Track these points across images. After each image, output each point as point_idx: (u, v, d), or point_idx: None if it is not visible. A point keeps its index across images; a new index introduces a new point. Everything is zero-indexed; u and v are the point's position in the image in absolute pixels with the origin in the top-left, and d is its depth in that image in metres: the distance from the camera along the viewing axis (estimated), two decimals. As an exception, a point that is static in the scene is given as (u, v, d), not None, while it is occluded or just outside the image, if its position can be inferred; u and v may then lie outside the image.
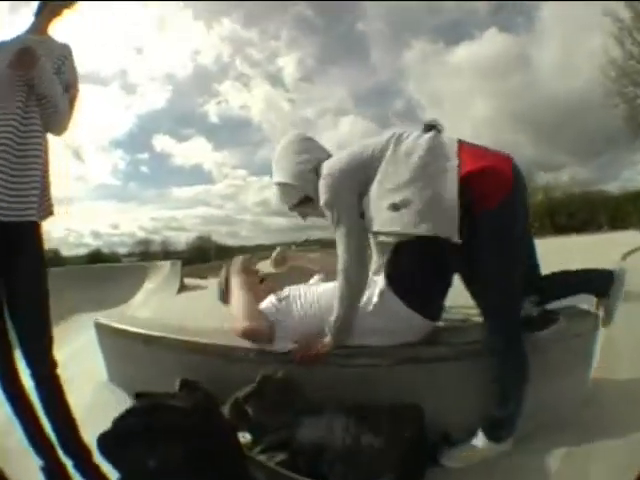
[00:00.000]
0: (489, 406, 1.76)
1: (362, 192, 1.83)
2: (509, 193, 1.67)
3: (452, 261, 1.80)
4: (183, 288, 6.74)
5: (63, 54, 1.82)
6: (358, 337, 1.88)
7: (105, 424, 1.41)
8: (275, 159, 2.05)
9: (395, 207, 1.70)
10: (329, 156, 2.00)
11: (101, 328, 2.82)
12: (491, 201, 1.65)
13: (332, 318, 1.84)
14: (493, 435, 1.74)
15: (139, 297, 6.83)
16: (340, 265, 1.82)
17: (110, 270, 7.95)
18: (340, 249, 1.83)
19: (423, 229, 1.64)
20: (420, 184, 1.69)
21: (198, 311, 4.31)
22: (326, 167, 1.89)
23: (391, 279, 1.87)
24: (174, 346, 2.17)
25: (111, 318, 2.90)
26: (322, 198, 1.85)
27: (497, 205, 1.65)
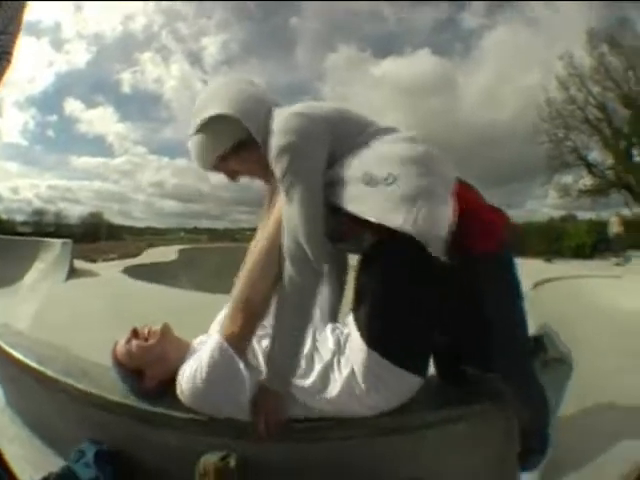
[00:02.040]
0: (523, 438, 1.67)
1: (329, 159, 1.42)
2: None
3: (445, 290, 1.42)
4: (73, 273, 6.82)
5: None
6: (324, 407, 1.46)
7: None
8: (210, 92, 1.54)
9: (371, 180, 1.32)
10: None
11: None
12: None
13: (275, 348, 1.44)
14: (530, 465, 1.67)
15: (28, 280, 6.80)
16: (288, 254, 1.38)
17: (2, 243, 7.85)
18: (287, 232, 1.39)
19: (405, 222, 1.24)
20: (413, 167, 1.33)
21: (89, 310, 4.19)
22: (295, 108, 1.45)
23: (370, 328, 1.44)
24: (78, 397, 1.71)
25: None
26: (280, 141, 1.37)
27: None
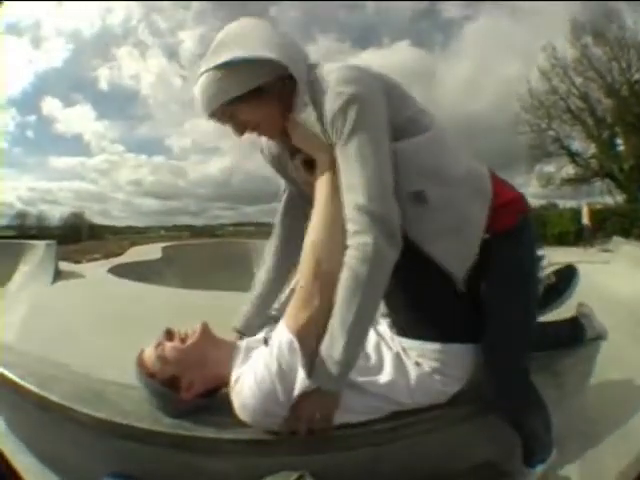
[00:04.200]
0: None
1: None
2: None
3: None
4: (58, 275, 6.62)
5: None
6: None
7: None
8: (234, 33, 1.31)
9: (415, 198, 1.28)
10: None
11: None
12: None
13: (334, 338, 1.18)
14: (531, 462, 1.55)
15: (12, 285, 6.53)
16: (358, 219, 1.19)
17: None
18: (355, 192, 1.20)
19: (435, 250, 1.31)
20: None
21: (81, 314, 3.98)
22: (346, 64, 1.29)
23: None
24: (94, 426, 1.38)
25: None
26: (345, 91, 1.20)
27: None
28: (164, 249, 10.82)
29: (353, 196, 1.20)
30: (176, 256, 10.46)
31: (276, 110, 1.33)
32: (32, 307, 4.20)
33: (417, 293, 1.39)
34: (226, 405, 1.32)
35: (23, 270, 7.03)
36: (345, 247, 1.21)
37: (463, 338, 1.36)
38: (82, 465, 1.56)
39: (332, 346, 1.18)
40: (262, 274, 1.74)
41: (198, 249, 11.76)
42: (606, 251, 11.32)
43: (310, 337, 1.20)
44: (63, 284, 6.12)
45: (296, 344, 1.18)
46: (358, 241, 1.19)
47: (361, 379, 1.30)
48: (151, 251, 10.91)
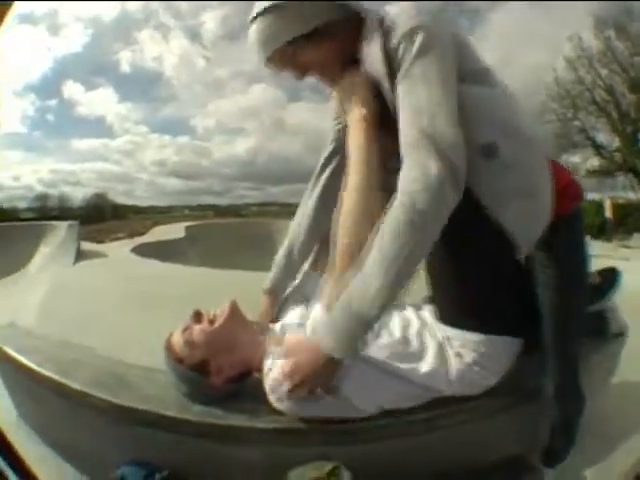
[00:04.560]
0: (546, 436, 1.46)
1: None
2: None
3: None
4: (80, 255, 6.46)
5: None
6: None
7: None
8: None
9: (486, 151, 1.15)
10: None
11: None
12: None
13: (359, 290, 1.04)
14: (550, 463, 1.46)
15: (32, 267, 6.34)
16: (418, 143, 1.05)
17: (3, 230, 7.34)
18: (422, 114, 1.06)
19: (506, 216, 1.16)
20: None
21: (103, 293, 3.83)
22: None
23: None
24: (116, 414, 1.31)
25: (3, 331, 1.97)
26: (412, 20, 1.12)
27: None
28: (187, 228, 10.61)
29: (418, 120, 1.07)
30: (200, 235, 10.28)
31: (339, 52, 1.26)
32: (53, 288, 4.07)
33: (465, 275, 1.25)
34: (257, 391, 1.24)
35: (44, 251, 6.86)
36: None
37: (506, 330, 1.25)
38: (99, 453, 1.48)
39: (365, 288, 1.04)
40: (293, 230, 1.66)
41: (222, 228, 11.47)
42: (626, 247, 11.29)
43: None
44: (85, 264, 5.99)
45: None
46: (420, 170, 1.03)
47: (400, 365, 1.20)
48: (175, 230, 10.68)
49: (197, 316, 1.35)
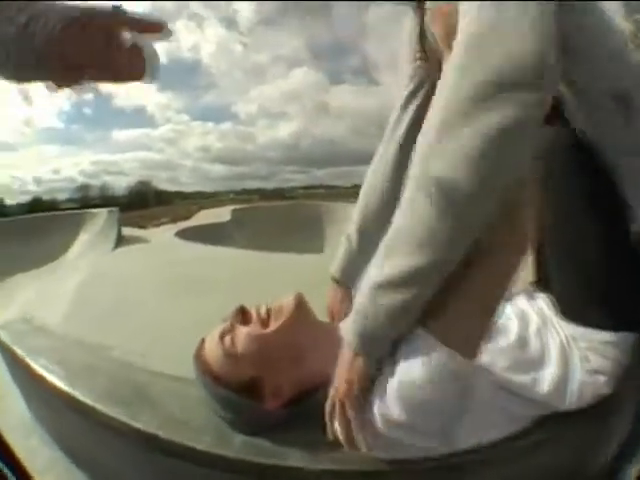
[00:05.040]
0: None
1: None
2: None
3: None
4: (121, 241, 6.11)
5: None
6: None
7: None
8: None
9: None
10: None
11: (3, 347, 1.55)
12: None
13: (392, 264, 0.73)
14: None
15: (71, 255, 6.18)
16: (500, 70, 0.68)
17: (42, 221, 7.26)
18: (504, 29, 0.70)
19: None
20: None
21: (141, 278, 3.68)
22: None
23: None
24: (139, 441, 0.98)
25: (14, 327, 1.67)
26: None
27: None
28: (234, 212, 10.28)
29: (496, 39, 0.71)
30: (246, 218, 9.95)
31: None
32: (90, 276, 3.87)
33: (591, 257, 0.90)
34: (315, 412, 0.86)
35: (83, 239, 6.68)
36: None
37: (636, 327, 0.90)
38: (118, 472, 1.19)
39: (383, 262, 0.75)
40: (366, 194, 1.32)
41: (269, 211, 11.16)
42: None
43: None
44: (125, 250, 5.80)
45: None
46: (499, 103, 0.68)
47: (517, 378, 0.86)
48: (220, 214, 10.39)
49: (242, 314, 0.97)
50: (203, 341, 0.97)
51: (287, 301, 0.95)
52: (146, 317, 2.34)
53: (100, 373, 1.25)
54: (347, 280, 1.30)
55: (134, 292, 3.11)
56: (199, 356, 0.95)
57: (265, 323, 0.93)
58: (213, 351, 0.92)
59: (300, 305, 0.95)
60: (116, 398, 1.09)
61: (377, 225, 1.25)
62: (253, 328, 0.91)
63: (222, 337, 0.92)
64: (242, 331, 0.91)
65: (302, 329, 0.93)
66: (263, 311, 0.95)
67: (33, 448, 1.47)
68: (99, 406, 1.06)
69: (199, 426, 0.96)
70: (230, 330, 0.93)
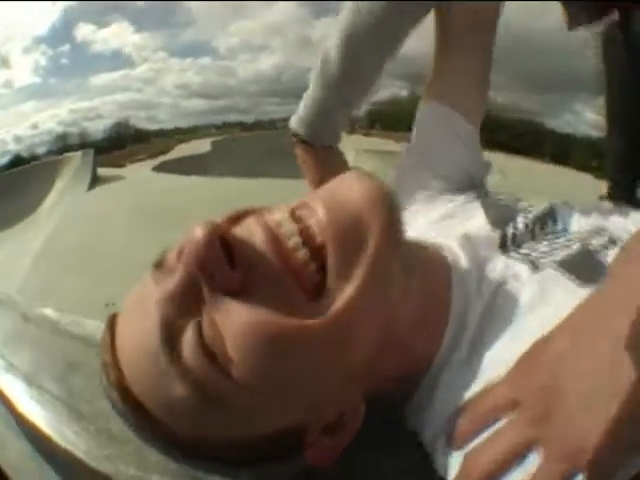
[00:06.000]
0: None
1: None
2: None
3: None
4: (97, 182, 6.07)
5: None
6: None
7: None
8: None
9: None
10: None
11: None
12: None
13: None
14: None
15: (46, 205, 5.72)
16: None
17: (18, 175, 6.76)
18: None
19: None
20: None
21: (116, 214, 3.51)
22: None
23: None
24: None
25: None
26: None
27: None
28: (214, 143, 10.14)
29: None
30: (227, 149, 9.72)
31: None
32: (60, 222, 3.69)
33: None
34: None
35: (58, 186, 6.24)
36: None
37: None
38: None
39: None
40: None
41: (251, 140, 11.04)
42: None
43: None
44: (100, 189, 5.59)
45: None
46: None
47: None
48: (200, 146, 10.27)
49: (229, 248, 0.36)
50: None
51: (355, 207, 0.37)
52: (114, 259, 2.23)
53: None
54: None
55: (105, 233, 3.00)
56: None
57: (308, 291, 0.36)
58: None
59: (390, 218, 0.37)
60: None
61: None
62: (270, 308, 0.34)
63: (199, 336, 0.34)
64: (240, 315, 0.34)
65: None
66: (293, 242, 0.36)
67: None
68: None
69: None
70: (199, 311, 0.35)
